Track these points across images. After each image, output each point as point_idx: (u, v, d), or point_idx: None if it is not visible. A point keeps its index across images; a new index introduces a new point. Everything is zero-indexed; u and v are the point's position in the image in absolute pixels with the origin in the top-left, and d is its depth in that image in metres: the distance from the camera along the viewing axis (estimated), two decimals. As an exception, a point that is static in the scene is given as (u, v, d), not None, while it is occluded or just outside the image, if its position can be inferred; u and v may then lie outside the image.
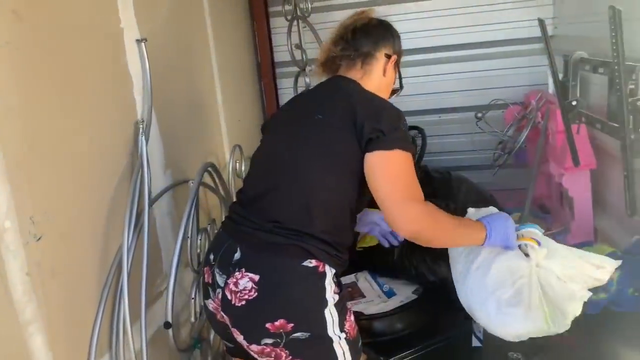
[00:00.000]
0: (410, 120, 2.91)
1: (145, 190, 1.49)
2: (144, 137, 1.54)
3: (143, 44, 1.62)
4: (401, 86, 1.57)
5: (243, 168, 2.16)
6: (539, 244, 1.34)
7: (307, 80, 2.58)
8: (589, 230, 2.06)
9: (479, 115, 2.41)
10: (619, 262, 1.31)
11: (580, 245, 1.76)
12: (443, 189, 2.37)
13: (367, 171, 1.25)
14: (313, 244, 1.24)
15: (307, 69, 2.60)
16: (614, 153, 1.87)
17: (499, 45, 2.77)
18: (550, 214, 2.42)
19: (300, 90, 2.68)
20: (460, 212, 2.22)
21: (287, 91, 2.89)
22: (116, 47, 1.56)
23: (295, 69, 2.67)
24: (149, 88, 1.63)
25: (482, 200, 2.29)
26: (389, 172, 1.23)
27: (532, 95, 2.42)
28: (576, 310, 1.26)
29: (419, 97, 2.89)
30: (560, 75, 1.55)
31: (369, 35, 1.44)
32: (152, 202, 1.55)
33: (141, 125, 1.58)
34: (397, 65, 1.50)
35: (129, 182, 1.52)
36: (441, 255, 2.13)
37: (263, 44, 2.84)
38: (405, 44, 2.87)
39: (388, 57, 1.46)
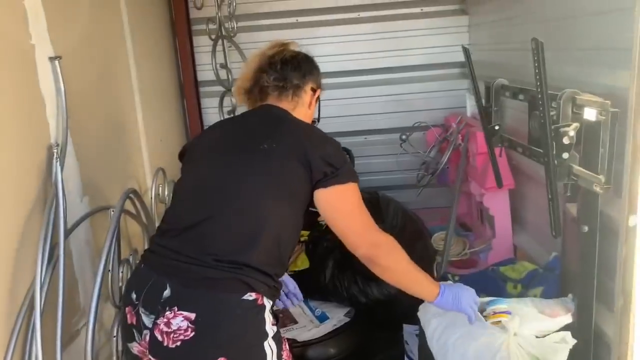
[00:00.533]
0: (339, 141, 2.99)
1: (60, 221, 1.36)
2: (58, 163, 1.41)
3: (57, 62, 1.51)
4: (318, 119, 1.64)
5: (166, 193, 2.06)
6: (509, 314, 1.36)
7: (233, 100, 2.52)
8: (508, 247, 2.17)
9: (403, 137, 2.48)
10: (572, 305, 1.39)
11: (503, 264, 1.86)
12: (372, 209, 2.39)
13: (324, 206, 1.29)
14: (253, 276, 1.19)
15: (233, 88, 2.55)
16: (530, 174, 1.99)
17: (420, 70, 2.88)
18: (471, 232, 2.52)
19: (226, 110, 2.62)
20: (389, 229, 2.28)
21: (211, 111, 2.82)
22: (26, 65, 1.43)
23: (220, 88, 2.61)
24: (64, 109, 1.51)
25: (409, 219, 2.35)
26: (347, 205, 1.30)
27: (452, 118, 2.53)
28: (563, 358, 1.27)
29: (346, 119, 2.93)
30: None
31: (298, 68, 1.47)
32: (68, 233, 1.42)
33: (55, 150, 1.45)
34: (318, 98, 1.56)
35: (42, 211, 1.39)
36: (371, 277, 2.15)
37: (186, 63, 2.76)
38: (332, 67, 2.97)
39: (313, 90, 1.51)
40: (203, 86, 2.86)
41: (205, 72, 2.80)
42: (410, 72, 2.89)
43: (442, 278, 1.95)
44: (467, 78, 2.87)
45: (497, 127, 1.55)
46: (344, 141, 2.94)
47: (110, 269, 1.50)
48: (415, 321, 2.04)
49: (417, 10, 2.82)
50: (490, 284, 1.72)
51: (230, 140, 1.39)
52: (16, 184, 1.34)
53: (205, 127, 2.89)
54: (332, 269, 2.19)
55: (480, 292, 1.41)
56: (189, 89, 2.78)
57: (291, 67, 1.46)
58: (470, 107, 2.55)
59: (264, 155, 1.28)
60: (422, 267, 1.86)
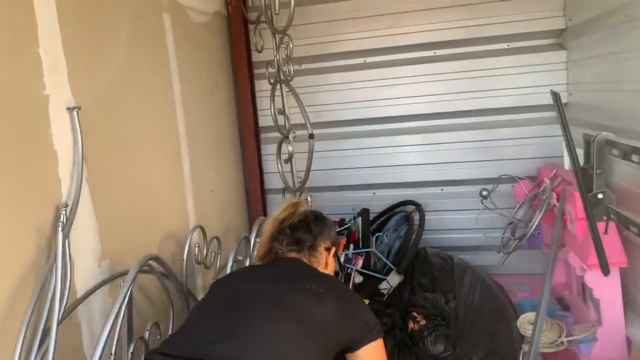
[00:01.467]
0: (408, 193, 2.66)
1: (56, 301, 1.17)
2: (61, 231, 1.24)
3: (75, 112, 1.36)
4: (341, 269, 1.71)
5: (205, 253, 1.85)
6: None
7: (290, 148, 2.30)
8: (620, 341, 1.69)
9: (484, 192, 2.10)
10: None
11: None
12: (443, 278, 2.03)
13: None
14: None
15: (291, 135, 2.33)
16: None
17: (508, 113, 2.49)
18: (570, 312, 2.04)
19: (283, 158, 2.40)
20: (463, 308, 1.89)
21: (270, 158, 2.62)
22: (37, 116, 1.30)
23: (277, 134, 2.41)
24: (80, 164, 1.36)
25: (489, 296, 1.94)
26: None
27: (546, 171, 2.11)
28: None
29: (419, 167, 2.60)
30: (581, 160, 1.25)
31: (309, 230, 1.50)
32: (65, 316, 1.23)
33: (63, 212, 1.28)
34: (335, 254, 1.57)
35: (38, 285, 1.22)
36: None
37: (245, 107, 2.60)
38: (405, 109, 2.68)
39: (328, 250, 1.52)
40: (264, 132, 2.68)
41: (265, 118, 2.63)
42: (497, 116, 2.50)
43: (528, 380, 1.52)
44: (565, 122, 2.43)
45: (600, 196, 1.16)
46: (415, 193, 2.65)
47: (113, 352, 1.29)
48: None
49: (503, 46, 2.46)
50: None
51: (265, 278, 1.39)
52: (12, 251, 1.17)
53: (264, 174, 2.70)
54: (391, 353, 1.84)
55: None
56: (248, 135, 2.61)
57: (302, 231, 1.49)
58: (569, 163, 2.11)
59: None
60: (503, 357, 1.62)
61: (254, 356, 1.12)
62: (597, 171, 1.15)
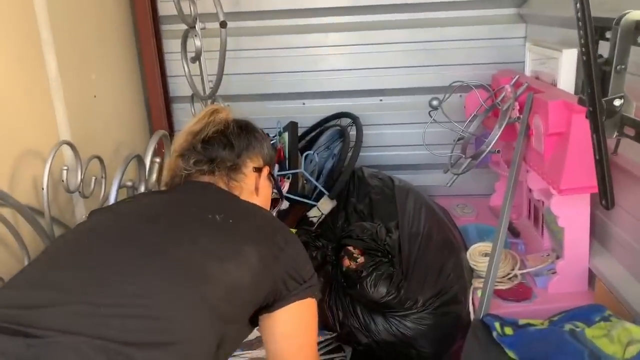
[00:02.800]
0: (343, 104, 2.27)
1: None
2: None
3: None
4: (282, 196, 1.35)
5: (79, 177, 1.39)
6: None
7: (198, 43, 1.81)
8: (581, 276, 1.48)
9: (434, 102, 1.75)
10: None
11: (584, 317, 1.17)
12: (383, 203, 1.72)
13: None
14: None
15: (199, 26, 1.83)
16: (628, 166, 1.28)
17: (459, 8, 2.12)
18: (520, 238, 1.83)
19: (190, 56, 1.91)
20: (407, 240, 1.60)
21: (174, 57, 2.11)
22: None
23: (183, 26, 1.89)
24: None
25: (435, 223, 1.66)
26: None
27: (504, 79, 1.79)
28: None
29: (355, 73, 2.20)
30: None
31: (229, 145, 1.13)
32: None
33: None
34: (270, 175, 1.21)
35: None
36: (378, 308, 1.49)
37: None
38: (336, 1, 2.24)
39: (258, 170, 1.16)
40: (165, 23, 2.14)
41: (166, 4, 2.09)
42: (446, 11, 2.13)
43: (483, 326, 1.28)
44: (525, 22, 2.10)
45: (617, 102, 0.84)
46: (350, 104, 2.26)
47: None
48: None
49: None
50: (569, 359, 1.04)
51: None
52: None
53: (167, 77, 2.20)
54: (322, 291, 1.54)
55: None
56: (144, 26, 2.06)
57: (219, 145, 1.12)
58: (532, 62, 1.80)
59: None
60: (452, 297, 1.44)
61: (105, 328, 0.76)
62: (617, 67, 0.82)
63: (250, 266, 0.92)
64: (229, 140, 1.13)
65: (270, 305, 0.97)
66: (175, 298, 0.83)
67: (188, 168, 1.09)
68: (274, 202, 1.27)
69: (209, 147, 1.11)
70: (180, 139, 1.15)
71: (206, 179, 1.10)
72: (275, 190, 1.25)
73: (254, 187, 1.15)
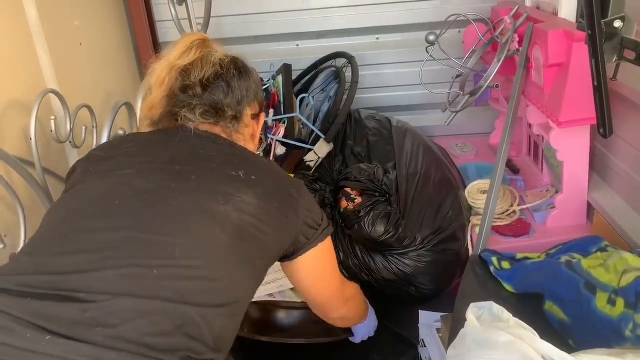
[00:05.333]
0: (338, 44, 2.21)
1: None
2: None
3: None
4: (264, 137, 1.32)
5: (68, 126, 1.36)
6: None
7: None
8: (580, 210, 1.47)
9: (431, 37, 1.69)
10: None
11: (581, 248, 1.17)
12: (381, 144, 1.69)
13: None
14: None
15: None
16: (630, 95, 1.25)
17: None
18: (519, 175, 1.82)
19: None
20: (404, 180, 1.59)
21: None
22: None
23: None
24: None
25: (434, 162, 1.64)
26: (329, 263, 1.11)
27: (504, 10, 1.72)
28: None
29: (350, 10, 2.12)
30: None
31: (229, 91, 1.04)
32: None
33: None
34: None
35: None
36: (377, 247, 1.50)
37: None
38: None
39: (255, 117, 1.12)
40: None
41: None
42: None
43: (481, 261, 1.29)
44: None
45: (617, 24, 0.79)
46: (347, 43, 2.21)
47: None
48: (440, 306, 1.44)
49: None
50: (564, 289, 1.05)
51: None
52: None
53: (155, 22, 2.12)
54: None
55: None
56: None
57: (221, 92, 1.03)
58: (532, -9, 1.72)
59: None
60: (451, 234, 1.47)
61: (160, 289, 0.77)
62: (618, -15, 0.78)
63: (278, 223, 0.94)
64: (230, 85, 1.04)
65: (290, 255, 1.01)
66: (223, 259, 0.84)
67: (194, 119, 1.01)
68: (266, 148, 1.25)
69: (211, 93, 1.02)
70: (162, 72, 1.03)
71: (206, 127, 1.03)
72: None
73: (250, 135, 1.11)
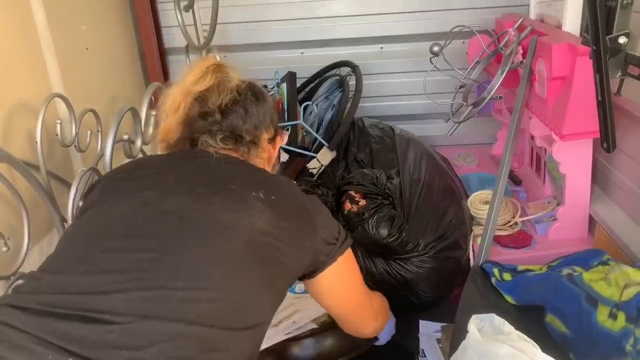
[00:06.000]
0: (342, 53, 2.22)
1: None
2: None
3: None
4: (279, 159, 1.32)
5: (74, 131, 1.37)
6: None
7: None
8: (582, 222, 1.48)
9: (435, 48, 1.70)
10: None
11: (583, 261, 1.17)
12: (384, 152, 1.70)
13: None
14: None
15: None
16: (633, 109, 1.25)
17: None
18: (521, 186, 1.82)
19: (182, 4, 1.85)
20: (408, 186, 1.59)
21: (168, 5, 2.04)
22: None
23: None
24: None
25: (437, 172, 1.65)
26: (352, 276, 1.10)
27: (508, 22, 1.73)
28: None
29: (355, 20, 2.13)
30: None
31: (248, 117, 1.05)
32: None
33: None
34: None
35: None
36: (378, 251, 1.50)
37: None
38: None
39: (271, 141, 1.12)
40: None
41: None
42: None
43: (483, 272, 1.29)
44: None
45: (622, 40, 0.80)
46: (351, 52, 2.23)
47: None
48: (440, 316, 1.44)
49: None
50: (565, 302, 1.05)
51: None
52: None
53: (161, 28, 2.14)
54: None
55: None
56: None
57: (239, 118, 1.04)
58: (536, 5, 1.73)
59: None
60: (454, 242, 1.46)
61: (184, 312, 0.76)
62: (624, 2, 0.78)
63: (299, 243, 0.93)
64: (247, 111, 1.05)
65: (310, 273, 1.00)
66: (247, 282, 0.83)
67: (214, 145, 1.02)
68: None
69: (229, 119, 1.03)
70: (177, 97, 1.03)
71: (225, 152, 1.03)
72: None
73: (267, 158, 1.11)
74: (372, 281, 1.50)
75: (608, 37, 0.79)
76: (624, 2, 0.77)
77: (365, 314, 1.14)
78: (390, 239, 1.45)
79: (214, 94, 1.03)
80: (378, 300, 1.21)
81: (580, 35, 1.42)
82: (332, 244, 1.00)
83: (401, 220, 1.47)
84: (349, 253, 1.04)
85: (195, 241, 0.83)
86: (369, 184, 1.56)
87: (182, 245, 0.82)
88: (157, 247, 0.81)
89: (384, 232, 1.44)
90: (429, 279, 1.44)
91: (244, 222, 0.87)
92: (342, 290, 1.07)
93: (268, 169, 1.12)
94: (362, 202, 1.52)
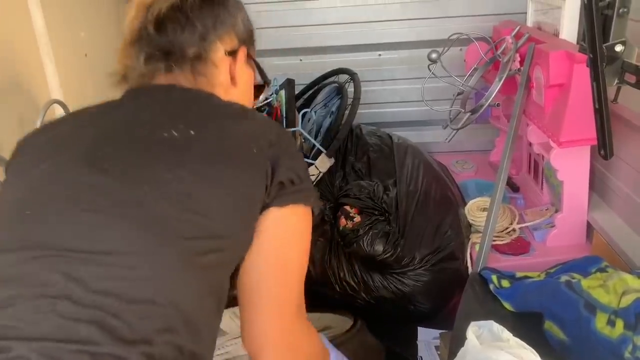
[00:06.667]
0: (341, 60, 2.23)
1: None
2: None
3: None
4: (266, 81, 1.01)
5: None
6: None
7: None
8: (579, 228, 1.48)
9: (434, 55, 1.71)
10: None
11: (581, 268, 1.18)
12: (382, 161, 1.70)
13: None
14: None
15: None
16: (631, 117, 1.26)
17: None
18: (519, 192, 1.82)
19: None
20: (404, 197, 1.59)
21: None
22: None
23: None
24: None
25: (434, 179, 1.65)
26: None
27: (506, 30, 1.74)
28: None
29: (352, 27, 2.14)
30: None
31: (190, 25, 0.83)
32: None
33: None
34: (250, 58, 0.92)
35: None
36: (374, 266, 1.50)
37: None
38: None
39: (232, 54, 0.88)
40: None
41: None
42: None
43: (481, 279, 1.29)
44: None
45: (618, 48, 0.81)
46: (349, 58, 2.23)
47: None
48: (439, 323, 1.44)
49: None
50: (564, 309, 1.05)
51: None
52: None
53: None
54: (321, 250, 1.54)
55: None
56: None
57: (175, 28, 0.82)
58: (534, 13, 1.74)
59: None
60: (450, 253, 1.42)
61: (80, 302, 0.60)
62: (620, 11, 0.79)
63: (224, 196, 0.72)
64: (188, 18, 0.82)
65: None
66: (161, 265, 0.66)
67: (140, 68, 0.82)
68: (258, 89, 1.00)
69: (163, 32, 0.82)
70: (131, 12, 0.85)
71: (162, 79, 0.83)
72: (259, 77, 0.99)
73: (229, 78, 0.87)
74: (370, 295, 1.50)
75: (605, 45, 0.79)
76: (620, 10, 0.77)
77: (290, 301, 0.77)
78: (386, 255, 1.45)
79: (156, 2, 0.83)
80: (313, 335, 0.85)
81: (578, 42, 1.42)
82: (291, 182, 0.77)
83: (396, 235, 1.47)
84: (304, 213, 0.80)
85: (88, 232, 0.66)
86: (366, 198, 1.55)
87: (73, 236, 0.66)
88: (42, 243, 0.65)
89: (378, 248, 1.45)
90: (427, 292, 1.44)
91: (145, 190, 0.69)
92: (271, 249, 0.77)
93: (235, 96, 0.88)
94: (357, 219, 1.52)
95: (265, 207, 0.76)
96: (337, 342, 1.23)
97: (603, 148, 0.88)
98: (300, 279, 0.79)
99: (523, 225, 1.57)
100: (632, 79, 0.81)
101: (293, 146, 0.84)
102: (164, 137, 0.73)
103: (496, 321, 0.93)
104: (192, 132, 0.73)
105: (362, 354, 1.31)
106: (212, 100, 0.82)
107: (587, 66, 0.88)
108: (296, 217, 0.78)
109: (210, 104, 0.82)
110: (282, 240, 0.77)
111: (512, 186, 1.85)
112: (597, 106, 0.84)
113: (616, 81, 0.84)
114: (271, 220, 0.76)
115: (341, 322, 1.45)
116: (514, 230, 1.56)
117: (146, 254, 0.65)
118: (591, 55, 0.82)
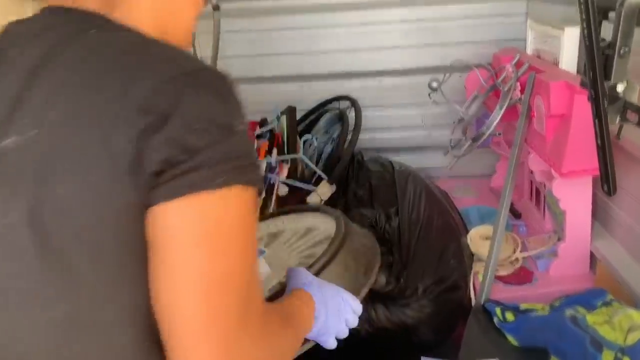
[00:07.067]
0: (341, 87, 2.24)
1: None
2: None
3: None
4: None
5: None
6: None
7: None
8: (583, 258, 1.47)
9: (434, 83, 1.72)
10: None
11: (585, 302, 1.16)
12: (383, 188, 1.70)
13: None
14: None
15: None
16: (633, 150, 1.26)
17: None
18: (521, 219, 1.82)
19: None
20: (407, 227, 1.58)
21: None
22: None
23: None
24: None
25: (436, 208, 1.65)
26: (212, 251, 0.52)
27: (505, 57, 1.75)
28: None
29: (353, 55, 2.15)
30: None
31: None
32: None
33: None
34: None
35: None
36: (377, 295, 1.49)
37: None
38: None
39: None
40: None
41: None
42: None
43: (484, 311, 1.27)
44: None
45: (620, 88, 0.81)
46: (350, 85, 2.24)
47: None
48: (442, 352, 1.42)
49: None
50: (570, 345, 1.04)
51: None
52: None
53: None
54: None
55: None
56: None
57: None
58: (533, 40, 1.76)
59: None
60: (453, 283, 1.42)
61: None
62: (621, 51, 0.79)
63: (77, 166, 0.51)
64: None
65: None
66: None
67: None
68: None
69: None
70: None
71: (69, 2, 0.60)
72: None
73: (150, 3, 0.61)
74: (372, 327, 1.48)
75: (606, 83, 0.79)
76: (621, 50, 0.77)
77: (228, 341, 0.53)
78: (388, 288, 1.44)
79: None
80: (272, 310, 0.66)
81: (577, 72, 1.43)
82: (185, 152, 0.50)
83: (399, 266, 1.46)
84: (231, 200, 0.53)
85: None
86: (369, 227, 1.54)
87: None
88: None
89: (381, 280, 1.44)
90: (430, 322, 1.42)
91: None
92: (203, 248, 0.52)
93: (169, 15, 0.64)
94: None
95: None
96: (322, 263, 0.97)
97: (606, 184, 0.88)
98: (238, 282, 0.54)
99: (526, 254, 1.55)
100: (634, 117, 0.82)
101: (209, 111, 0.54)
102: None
103: (500, 356, 0.92)
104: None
105: (353, 266, 1.05)
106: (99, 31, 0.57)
107: (589, 100, 0.88)
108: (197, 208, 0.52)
109: (87, 31, 0.56)
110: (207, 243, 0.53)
111: (514, 213, 1.84)
112: (599, 143, 0.84)
113: (618, 119, 0.84)
114: (176, 216, 0.52)
115: (324, 222, 1.22)
116: (517, 259, 1.55)
117: None
118: (593, 94, 0.82)
